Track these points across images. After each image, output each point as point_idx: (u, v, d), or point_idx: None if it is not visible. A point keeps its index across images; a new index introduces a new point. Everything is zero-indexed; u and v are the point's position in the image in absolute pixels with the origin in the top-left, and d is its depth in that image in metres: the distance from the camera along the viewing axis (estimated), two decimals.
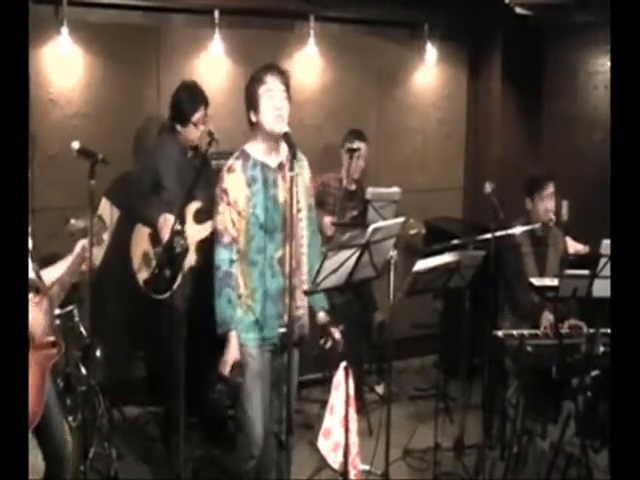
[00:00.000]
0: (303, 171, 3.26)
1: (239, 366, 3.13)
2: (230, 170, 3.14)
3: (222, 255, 3.13)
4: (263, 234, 3.12)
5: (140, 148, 4.67)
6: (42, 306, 2.96)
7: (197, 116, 4.10)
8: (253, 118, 3.14)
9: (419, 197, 5.51)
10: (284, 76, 3.14)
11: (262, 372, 3.19)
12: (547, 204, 4.25)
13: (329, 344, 3.27)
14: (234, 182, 3.12)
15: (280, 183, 3.16)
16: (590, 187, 5.12)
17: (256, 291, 3.15)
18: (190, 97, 4.14)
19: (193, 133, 4.13)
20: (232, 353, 3.11)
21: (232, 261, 3.13)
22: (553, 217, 4.20)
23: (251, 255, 3.14)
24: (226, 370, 3.11)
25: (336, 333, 3.28)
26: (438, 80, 5.85)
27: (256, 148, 3.18)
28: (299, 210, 3.16)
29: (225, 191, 3.12)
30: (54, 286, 3.07)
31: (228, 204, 3.11)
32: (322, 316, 3.33)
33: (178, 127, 4.14)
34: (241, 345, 3.14)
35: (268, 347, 3.20)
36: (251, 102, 3.13)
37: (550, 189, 4.27)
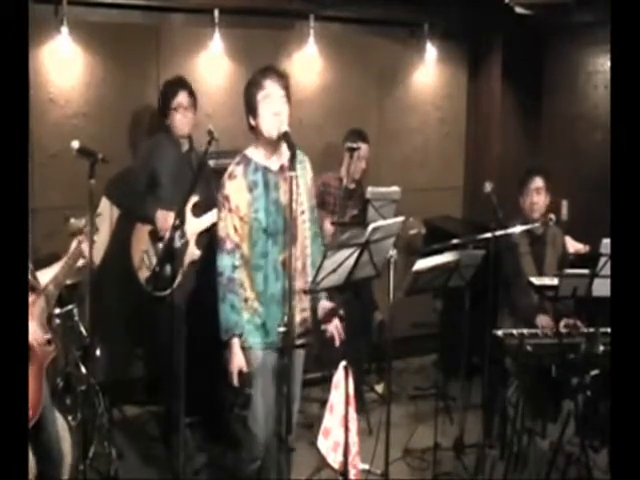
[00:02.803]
0: (305, 172, 3.23)
1: (247, 374, 3.10)
2: (231, 176, 3.11)
3: (224, 261, 3.10)
4: (266, 238, 3.09)
5: (139, 147, 4.68)
6: (37, 305, 2.97)
7: (176, 101, 4.10)
8: (252, 122, 3.11)
9: (419, 196, 5.50)
10: (283, 79, 3.09)
11: (267, 375, 3.17)
12: (532, 198, 4.22)
13: (329, 333, 3.21)
14: (235, 188, 3.09)
15: (282, 186, 3.13)
16: (590, 187, 5.12)
17: (262, 295, 3.13)
18: (169, 86, 4.18)
19: (178, 120, 4.12)
20: (236, 362, 3.08)
21: (235, 267, 3.10)
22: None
23: (255, 260, 3.11)
24: (234, 381, 3.09)
25: (336, 323, 3.23)
26: (438, 80, 5.85)
27: (257, 152, 3.15)
28: (302, 212, 3.15)
29: (227, 198, 3.09)
30: (49, 285, 3.07)
31: (230, 210, 3.08)
32: (325, 303, 3.26)
33: (166, 121, 4.15)
34: (247, 349, 3.11)
35: (273, 350, 3.15)
36: (250, 107, 3.09)
37: (536, 183, 4.23)
